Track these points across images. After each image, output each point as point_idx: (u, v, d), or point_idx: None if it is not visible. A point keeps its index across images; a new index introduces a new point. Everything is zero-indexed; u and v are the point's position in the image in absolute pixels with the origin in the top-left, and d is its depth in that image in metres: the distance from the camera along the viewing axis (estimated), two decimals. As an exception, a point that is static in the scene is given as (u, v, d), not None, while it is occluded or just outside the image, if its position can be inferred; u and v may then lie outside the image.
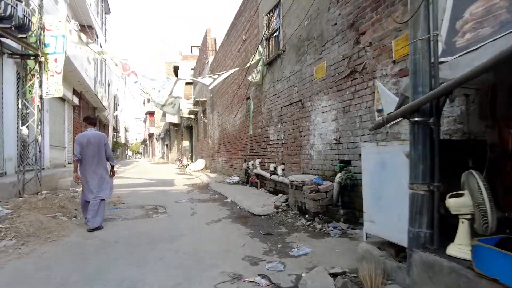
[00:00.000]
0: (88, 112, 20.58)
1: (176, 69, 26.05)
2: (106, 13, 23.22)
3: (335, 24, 5.00)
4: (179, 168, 21.41)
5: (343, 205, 4.67)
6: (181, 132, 28.59)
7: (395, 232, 2.70)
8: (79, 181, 4.63)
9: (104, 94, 23.07)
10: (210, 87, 8.04)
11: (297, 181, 5.14)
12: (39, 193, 5.91)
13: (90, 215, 4.32)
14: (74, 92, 16.21)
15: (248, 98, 9.23)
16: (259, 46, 7.77)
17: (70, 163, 14.15)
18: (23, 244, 3.58)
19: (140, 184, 10.68)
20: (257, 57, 7.76)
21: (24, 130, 6.07)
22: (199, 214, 5.60)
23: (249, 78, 8.09)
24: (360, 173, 4.45)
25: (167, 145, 38.51)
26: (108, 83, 23.95)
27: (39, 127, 6.43)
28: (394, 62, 3.86)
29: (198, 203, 6.79)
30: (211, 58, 16.19)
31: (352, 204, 4.55)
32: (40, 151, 6.50)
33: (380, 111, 4.06)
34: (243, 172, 9.86)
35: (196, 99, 17.39)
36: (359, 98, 4.46)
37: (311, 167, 5.73)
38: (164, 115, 33.95)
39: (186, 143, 27.61)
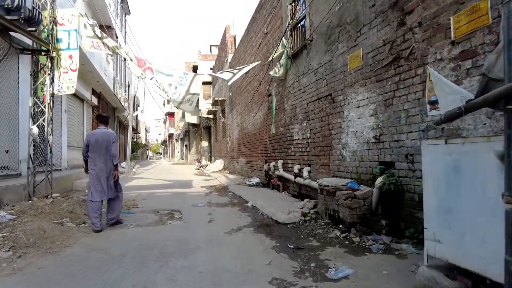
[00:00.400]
0: (108, 113, 20.69)
1: (195, 68, 25.85)
2: (126, 14, 23.33)
3: (373, 5, 4.33)
4: (198, 169, 21.13)
5: (384, 214, 3.99)
6: (200, 132, 28.40)
7: (474, 258, 2.04)
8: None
9: (123, 95, 23.18)
10: (229, 82, 7.54)
11: (328, 186, 4.50)
12: (49, 196, 5.56)
13: (110, 213, 4.60)
14: (94, 92, 16.20)
15: (269, 95, 8.65)
16: (282, 38, 7.17)
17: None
18: (20, 257, 3.15)
19: (157, 186, 10.33)
20: (280, 50, 7.17)
21: (34, 129, 5.75)
22: (217, 221, 5.06)
23: (271, 73, 7.50)
24: (406, 177, 3.78)
25: (186, 146, 38.56)
26: (128, 83, 24.05)
27: (50, 126, 6.10)
28: (453, 43, 3.16)
29: (217, 207, 6.26)
30: (230, 56, 15.73)
31: (396, 213, 3.86)
32: (51, 151, 6.16)
33: (433, 102, 3.36)
34: (263, 174, 9.29)
35: (215, 99, 17.01)
36: (404, 89, 3.77)
37: (343, 169, 5.07)
38: (183, 115, 33.96)
39: (205, 144, 27.37)
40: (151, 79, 7.39)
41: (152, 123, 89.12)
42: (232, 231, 4.39)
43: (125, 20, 23.10)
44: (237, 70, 8.09)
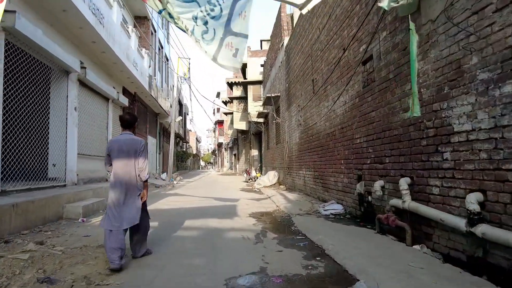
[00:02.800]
0: (146, 118, 18.47)
1: (244, 67, 22.94)
2: (169, 11, 21.31)
3: None
4: (247, 182, 17.81)
5: None
6: (249, 140, 25.28)
7: None
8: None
9: (166, 98, 21.01)
10: (304, 11, 3.91)
11: None
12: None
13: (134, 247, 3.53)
14: (125, 92, 13.81)
15: (364, 63, 4.86)
16: None
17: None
18: None
19: (187, 212, 7.05)
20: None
21: None
22: None
23: (383, 4, 3.71)
24: None
25: (235, 155, 35.86)
26: (171, 87, 21.87)
27: None
28: None
29: (283, 292, 2.64)
30: (286, 39, 12.25)
31: None
32: None
33: None
34: (353, 198, 5.48)
35: (267, 95, 13.59)
36: None
37: None
38: (232, 122, 31.35)
39: (254, 152, 24.14)
40: (159, 12, 4.12)
41: (203, 133, 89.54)
42: None
43: (168, 17, 21.06)
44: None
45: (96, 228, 5.14)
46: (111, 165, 3.49)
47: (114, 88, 11.86)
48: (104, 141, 11.07)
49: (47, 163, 8.05)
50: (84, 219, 6.04)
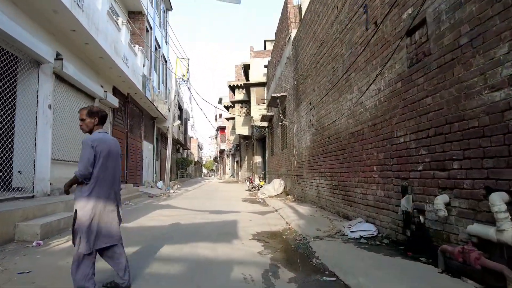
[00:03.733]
0: (141, 122, 17.16)
1: (246, 68, 21.73)
2: (167, 10, 20.23)
3: None
4: (250, 190, 16.40)
5: None
6: (252, 145, 23.94)
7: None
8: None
9: (164, 102, 19.77)
10: None
11: None
12: None
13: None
14: (116, 92, 12.53)
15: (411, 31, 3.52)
16: None
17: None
18: None
19: (175, 232, 5.66)
20: None
21: None
22: None
23: None
24: None
25: (237, 162, 34.47)
26: (168, 90, 20.66)
27: None
28: None
29: None
30: (294, 32, 10.98)
31: None
32: None
33: None
34: (392, 217, 4.09)
35: (272, 95, 12.26)
36: None
37: None
38: (234, 127, 30.06)
39: (257, 159, 22.76)
40: None
41: (205, 140, 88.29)
42: None
43: (166, 16, 19.96)
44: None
45: (52, 257, 3.81)
46: (91, 168, 2.72)
47: (102, 87, 10.61)
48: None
49: (12, 170, 6.74)
50: (41, 241, 4.68)
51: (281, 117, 11.40)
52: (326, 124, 7.01)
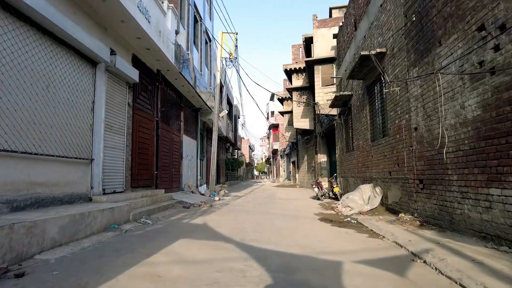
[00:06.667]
0: (180, 111, 13.73)
1: (308, 43, 17.43)
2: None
3: None
4: (319, 199, 12.07)
5: None
6: (314, 142, 19.53)
7: None
8: None
9: (208, 89, 16.39)
10: None
11: None
12: None
13: None
14: (137, 63, 9.23)
15: None
16: None
17: (103, 193, 6.76)
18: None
19: None
20: None
21: None
22: None
23: None
24: None
25: (293, 163, 30.19)
26: (214, 75, 17.26)
27: None
28: None
29: None
30: None
31: None
32: None
33: None
34: None
35: (362, 53, 7.80)
36: None
37: None
38: (290, 122, 25.92)
39: (322, 158, 18.28)
40: None
41: (257, 142, 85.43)
42: None
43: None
44: None
45: None
46: None
47: (114, 51, 7.28)
48: (85, 130, 6.39)
49: None
50: None
51: (387, 80, 6.88)
52: None
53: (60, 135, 5.60)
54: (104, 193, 6.95)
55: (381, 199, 8.12)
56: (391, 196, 7.51)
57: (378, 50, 7.77)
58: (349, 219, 7.01)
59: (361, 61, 8.27)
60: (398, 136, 6.99)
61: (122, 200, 7.12)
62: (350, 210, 8.00)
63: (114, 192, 7.46)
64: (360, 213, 7.78)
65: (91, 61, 6.59)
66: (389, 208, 7.62)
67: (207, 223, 6.38)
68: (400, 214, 6.49)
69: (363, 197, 8.54)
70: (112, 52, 7.23)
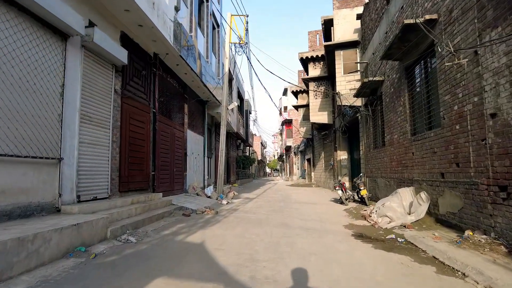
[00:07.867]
0: (183, 103, 12.22)
1: (328, 25, 15.64)
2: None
3: None
4: (343, 202, 10.37)
5: None
6: (333, 138, 17.78)
7: None
8: None
9: (217, 79, 14.86)
10: None
11: None
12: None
13: None
14: (128, 43, 7.68)
15: None
16: None
17: (78, 201, 5.29)
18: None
19: None
20: None
21: None
22: None
23: None
24: None
25: (308, 160, 28.44)
26: (222, 64, 15.72)
27: None
28: None
29: None
30: None
31: None
32: None
33: None
34: None
35: (406, 22, 6.10)
36: None
37: None
38: (304, 118, 24.18)
39: (342, 155, 16.53)
40: None
41: (269, 138, 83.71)
42: None
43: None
44: None
45: None
46: None
47: (90, 21, 5.83)
48: (50, 121, 4.92)
49: None
50: None
51: (450, 47, 5.11)
52: None
53: (9, 127, 4.16)
54: (79, 201, 5.52)
55: (428, 207, 6.41)
56: (445, 204, 5.80)
57: (428, 16, 6.03)
58: (393, 235, 5.35)
59: (402, 34, 6.54)
60: (458, 127, 5.27)
61: (103, 209, 5.68)
62: (390, 222, 6.33)
63: (95, 199, 6.02)
64: (403, 225, 6.11)
65: (59, 32, 5.14)
66: (441, 219, 5.91)
67: (206, 242, 4.85)
68: (466, 232, 4.79)
69: (403, 204, 6.86)
70: (91, 24, 5.77)
